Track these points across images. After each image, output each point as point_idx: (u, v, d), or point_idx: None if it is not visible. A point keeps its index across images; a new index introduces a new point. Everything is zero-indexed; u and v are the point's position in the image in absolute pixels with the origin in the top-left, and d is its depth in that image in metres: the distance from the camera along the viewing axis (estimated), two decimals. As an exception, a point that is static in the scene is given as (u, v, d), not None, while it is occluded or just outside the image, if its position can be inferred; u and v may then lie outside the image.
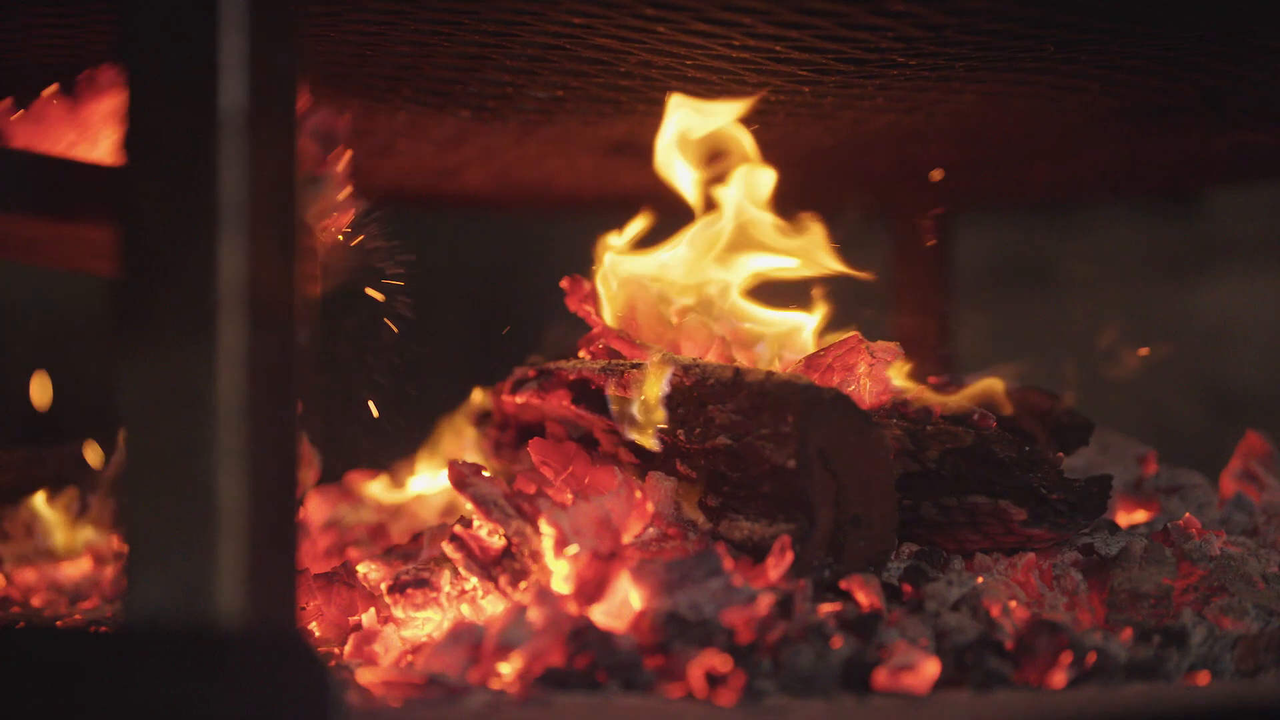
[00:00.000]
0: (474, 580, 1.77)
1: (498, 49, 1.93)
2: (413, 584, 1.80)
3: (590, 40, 1.85)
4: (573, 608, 1.64)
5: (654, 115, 2.04)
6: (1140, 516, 2.21)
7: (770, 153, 2.01)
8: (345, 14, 1.79)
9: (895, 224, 3.12)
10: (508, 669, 1.56)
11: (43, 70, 1.90)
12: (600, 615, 1.64)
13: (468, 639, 1.59)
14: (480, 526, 1.77)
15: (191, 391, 1.19)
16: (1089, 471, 2.09)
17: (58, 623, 1.72)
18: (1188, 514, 1.94)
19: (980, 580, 1.74)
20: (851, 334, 1.91)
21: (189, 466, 1.19)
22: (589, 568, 1.65)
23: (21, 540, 2.41)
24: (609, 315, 1.95)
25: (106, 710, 1.16)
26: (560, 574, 1.70)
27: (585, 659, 1.56)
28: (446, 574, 1.79)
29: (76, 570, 2.34)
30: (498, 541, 1.76)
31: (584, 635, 1.57)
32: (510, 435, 2.19)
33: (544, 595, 1.63)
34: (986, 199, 3.31)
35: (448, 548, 1.77)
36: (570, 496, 1.78)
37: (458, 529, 1.78)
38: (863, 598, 1.69)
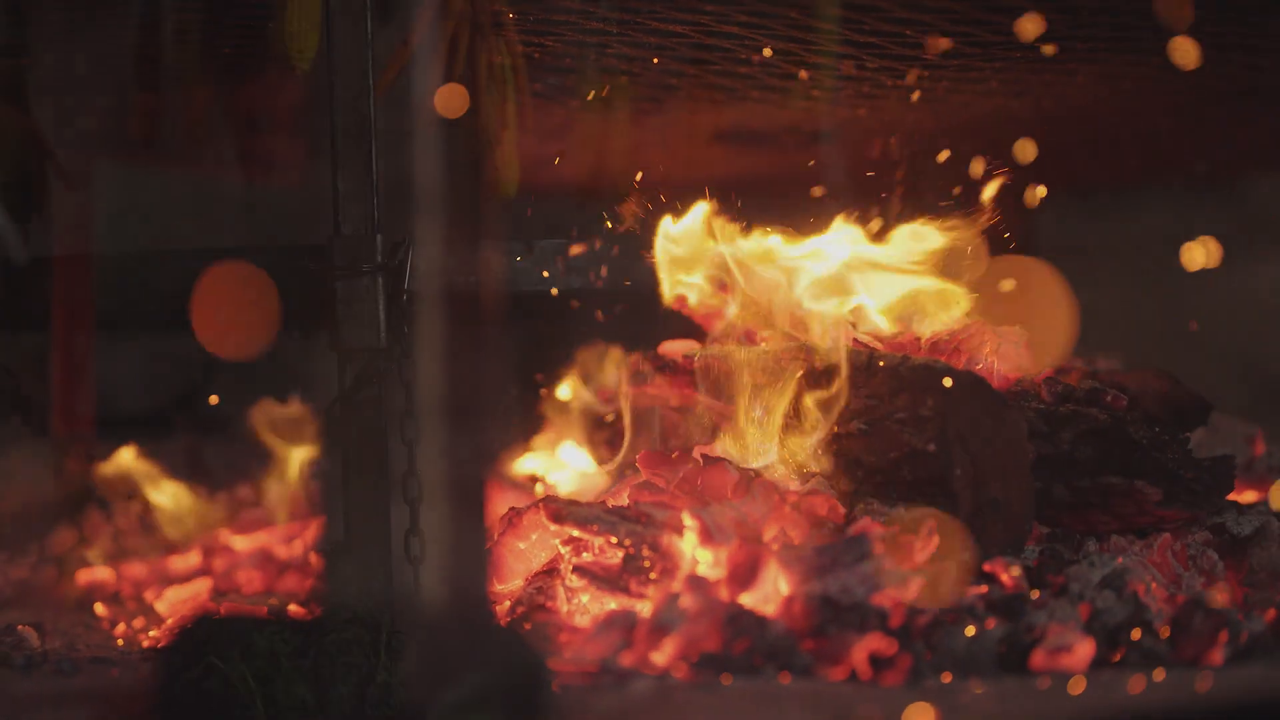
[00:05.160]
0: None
1: (620, 37, 1.93)
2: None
3: (714, 28, 1.85)
4: (723, 593, 1.64)
5: (766, 103, 2.04)
6: (1250, 496, 2.20)
7: (874, 137, 2.01)
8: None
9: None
10: (662, 655, 1.56)
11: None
12: (749, 600, 1.64)
13: (621, 624, 1.60)
14: (591, 546, 1.74)
15: (391, 385, 1.20)
16: (1200, 452, 2.09)
17: (264, 611, 1.73)
18: (1315, 493, 1.94)
19: (1120, 561, 1.74)
20: (977, 318, 1.91)
21: (388, 458, 1.20)
22: (740, 553, 1.65)
23: (134, 534, 2.41)
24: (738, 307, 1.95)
25: (319, 696, 1.17)
26: (704, 563, 1.70)
27: (743, 643, 1.56)
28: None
29: (185, 564, 2.34)
30: (614, 555, 1.73)
31: (740, 620, 1.58)
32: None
33: (695, 581, 1.63)
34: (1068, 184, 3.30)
35: (577, 582, 1.73)
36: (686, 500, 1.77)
37: (576, 562, 1.74)
38: (1006, 579, 1.69)
